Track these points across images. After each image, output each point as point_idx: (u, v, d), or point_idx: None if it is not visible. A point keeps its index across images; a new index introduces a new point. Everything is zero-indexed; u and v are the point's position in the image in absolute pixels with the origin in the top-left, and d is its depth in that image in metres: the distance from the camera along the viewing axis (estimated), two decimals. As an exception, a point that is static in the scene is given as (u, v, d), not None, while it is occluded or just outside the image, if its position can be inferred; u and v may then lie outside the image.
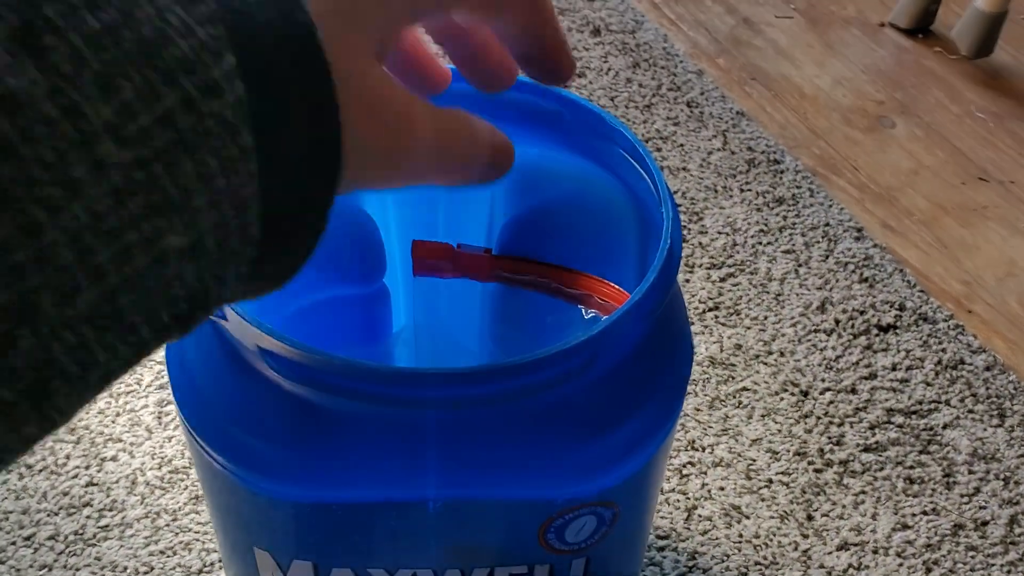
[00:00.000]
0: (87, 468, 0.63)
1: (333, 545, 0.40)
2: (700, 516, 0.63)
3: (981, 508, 0.65)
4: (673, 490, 0.65)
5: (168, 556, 0.60)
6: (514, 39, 0.30)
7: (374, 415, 0.36)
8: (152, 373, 0.68)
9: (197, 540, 0.60)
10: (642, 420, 0.39)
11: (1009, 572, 0.62)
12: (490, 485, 0.38)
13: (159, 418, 0.66)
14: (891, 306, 0.76)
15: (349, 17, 0.24)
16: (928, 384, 0.72)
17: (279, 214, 0.22)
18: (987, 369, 0.73)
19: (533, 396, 0.36)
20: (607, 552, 0.43)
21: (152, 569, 0.59)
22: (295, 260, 0.23)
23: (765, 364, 0.72)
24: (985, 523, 0.64)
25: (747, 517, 0.64)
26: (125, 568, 0.59)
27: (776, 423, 0.68)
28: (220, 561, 0.59)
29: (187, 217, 0.19)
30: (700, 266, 0.78)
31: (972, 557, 0.62)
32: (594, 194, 0.45)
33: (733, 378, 0.71)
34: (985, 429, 0.69)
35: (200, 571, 0.59)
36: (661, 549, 0.62)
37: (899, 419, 0.69)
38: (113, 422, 0.65)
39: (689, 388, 0.70)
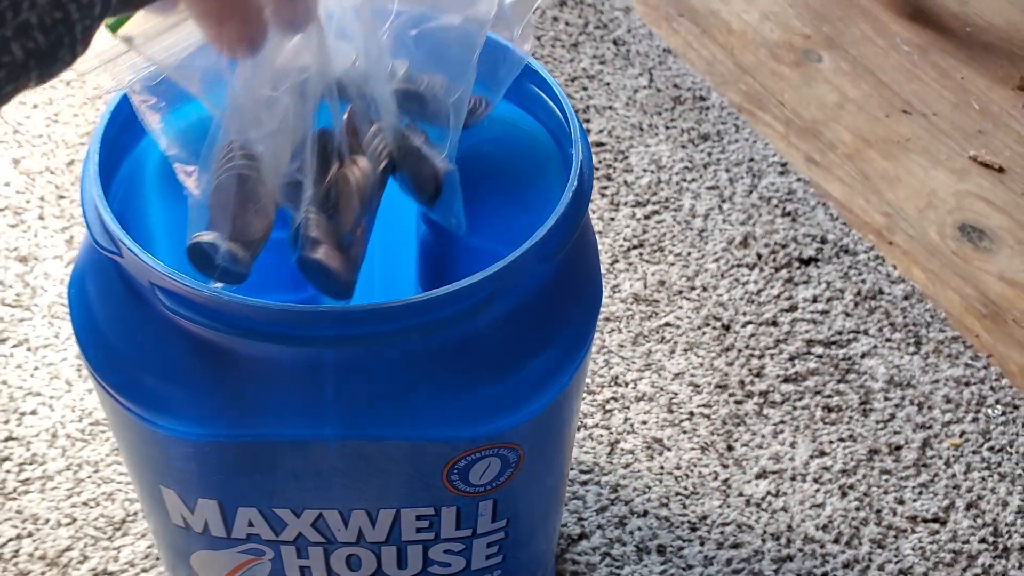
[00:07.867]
0: (6, 423, 0.62)
1: (236, 484, 0.40)
2: (623, 450, 0.64)
3: (895, 433, 0.67)
4: (596, 425, 0.65)
5: (91, 507, 0.59)
6: None
7: (270, 353, 0.36)
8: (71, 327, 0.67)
9: (120, 491, 0.60)
10: (545, 362, 0.39)
11: (920, 493, 0.64)
12: (389, 424, 0.38)
13: (79, 371, 0.65)
14: (813, 239, 0.77)
15: None
16: (847, 315, 0.73)
17: None
18: (905, 298, 0.74)
19: (431, 335, 0.36)
20: (515, 495, 0.43)
21: (75, 520, 0.59)
22: None
23: (688, 299, 0.73)
24: (899, 447, 0.66)
25: (668, 449, 0.65)
26: (47, 520, 0.59)
27: (698, 357, 0.69)
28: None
29: None
30: (625, 204, 0.78)
31: (886, 480, 0.64)
32: (518, 137, 0.45)
33: (656, 314, 0.72)
34: (902, 357, 0.71)
35: (123, 520, 0.59)
36: (584, 483, 0.63)
37: (818, 350, 0.70)
38: (32, 376, 0.65)
39: (613, 325, 0.71)
